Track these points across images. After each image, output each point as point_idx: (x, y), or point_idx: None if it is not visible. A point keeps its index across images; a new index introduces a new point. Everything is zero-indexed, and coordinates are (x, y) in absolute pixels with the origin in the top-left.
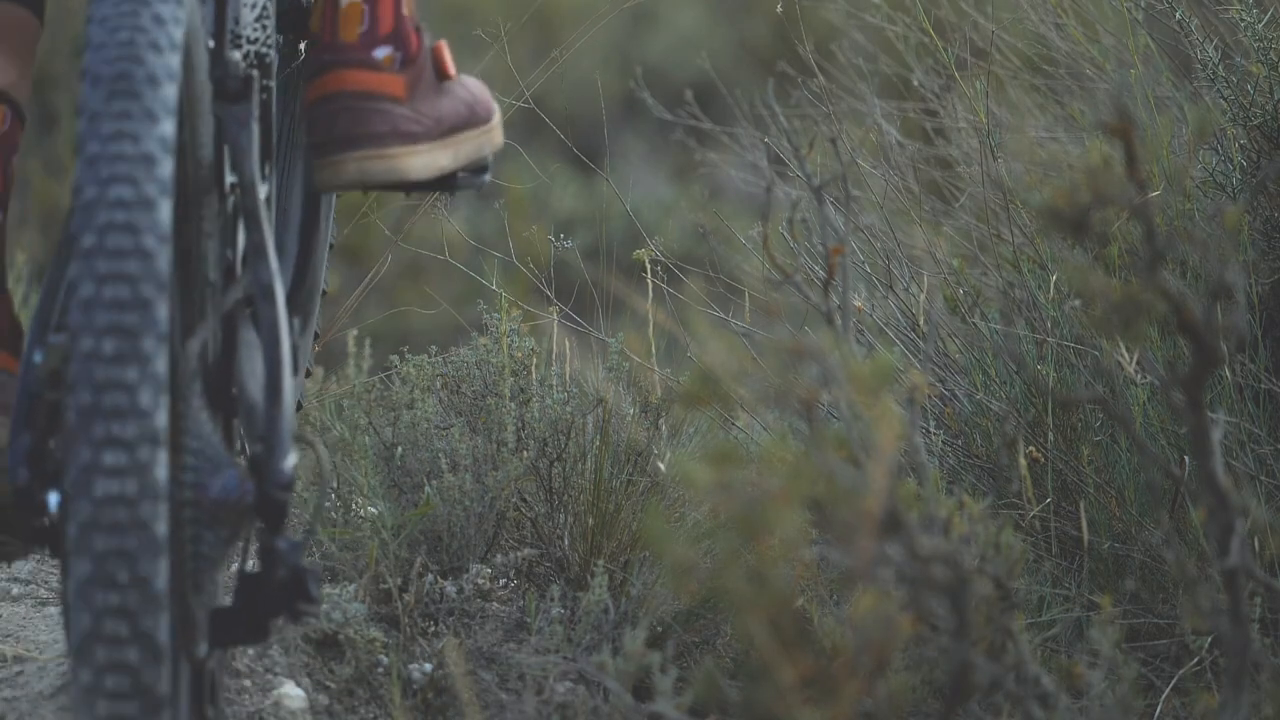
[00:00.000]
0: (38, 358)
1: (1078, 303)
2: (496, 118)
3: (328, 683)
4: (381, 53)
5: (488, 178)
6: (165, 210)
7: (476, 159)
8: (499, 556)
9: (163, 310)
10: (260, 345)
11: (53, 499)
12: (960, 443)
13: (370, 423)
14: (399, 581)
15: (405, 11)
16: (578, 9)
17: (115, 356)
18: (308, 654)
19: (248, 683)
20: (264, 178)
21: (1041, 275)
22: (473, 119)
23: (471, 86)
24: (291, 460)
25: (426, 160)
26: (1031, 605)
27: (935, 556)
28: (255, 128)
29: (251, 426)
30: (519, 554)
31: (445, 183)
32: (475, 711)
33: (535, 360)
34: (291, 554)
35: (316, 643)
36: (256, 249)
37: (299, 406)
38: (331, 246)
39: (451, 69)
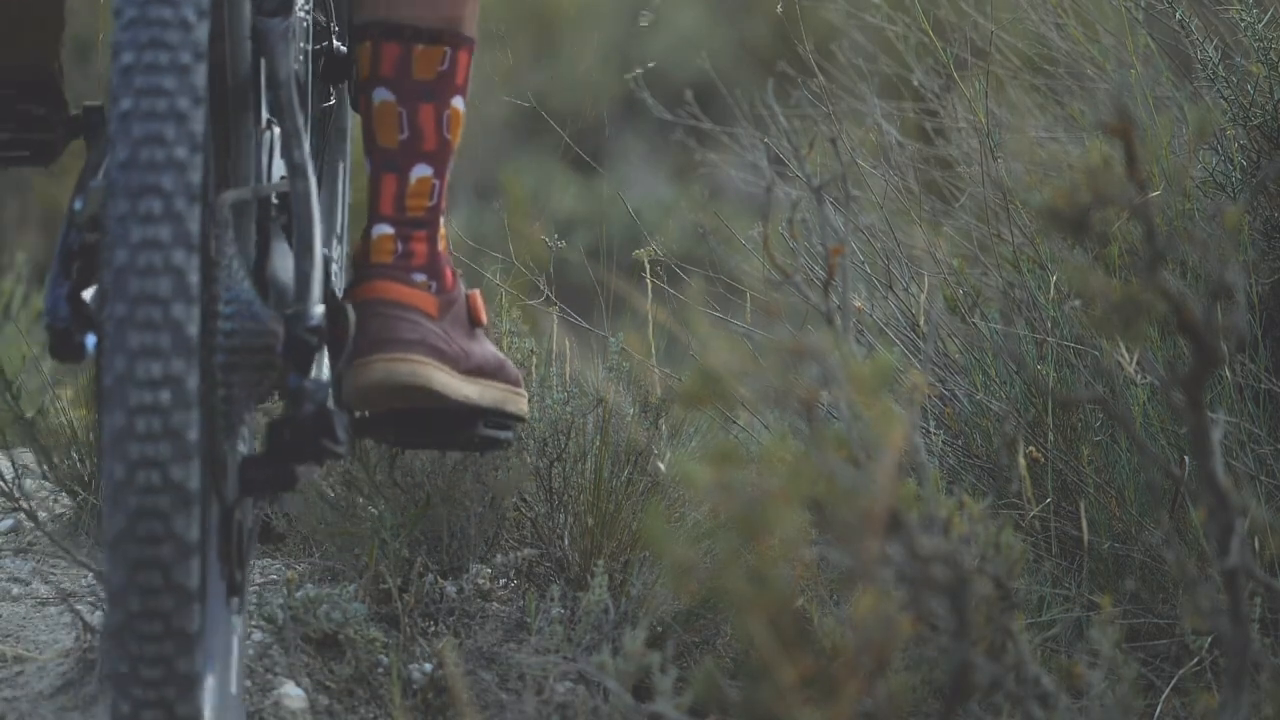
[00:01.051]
0: (78, 205)
1: (1078, 303)
2: (523, 389)
3: (328, 683)
4: (417, 277)
5: (510, 436)
6: (200, 73)
7: (500, 410)
8: (499, 556)
9: (196, 171)
10: (293, 217)
11: (90, 341)
12: (960, 443)
13: None
14: (399, 581)
15: (440, 248)
16: (578, 9)
17: (148, 216)
18: (308, 654)
19: (248, 682)
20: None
21: (1041, 275)
22: (501, 373)
23: (502, 354)
24: (319, 309)
25: (452, 381)
26: (1031, 605)
27: (935, 556)
28: (292, 42)
29: (282, 291)
30: (519, 554)
31: (469, 429)
32: (473, 712)
33: (535, 360)
34: (318, 391)
35: (316, 643)
36: (290, 135)
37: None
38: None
39: (484, 317)
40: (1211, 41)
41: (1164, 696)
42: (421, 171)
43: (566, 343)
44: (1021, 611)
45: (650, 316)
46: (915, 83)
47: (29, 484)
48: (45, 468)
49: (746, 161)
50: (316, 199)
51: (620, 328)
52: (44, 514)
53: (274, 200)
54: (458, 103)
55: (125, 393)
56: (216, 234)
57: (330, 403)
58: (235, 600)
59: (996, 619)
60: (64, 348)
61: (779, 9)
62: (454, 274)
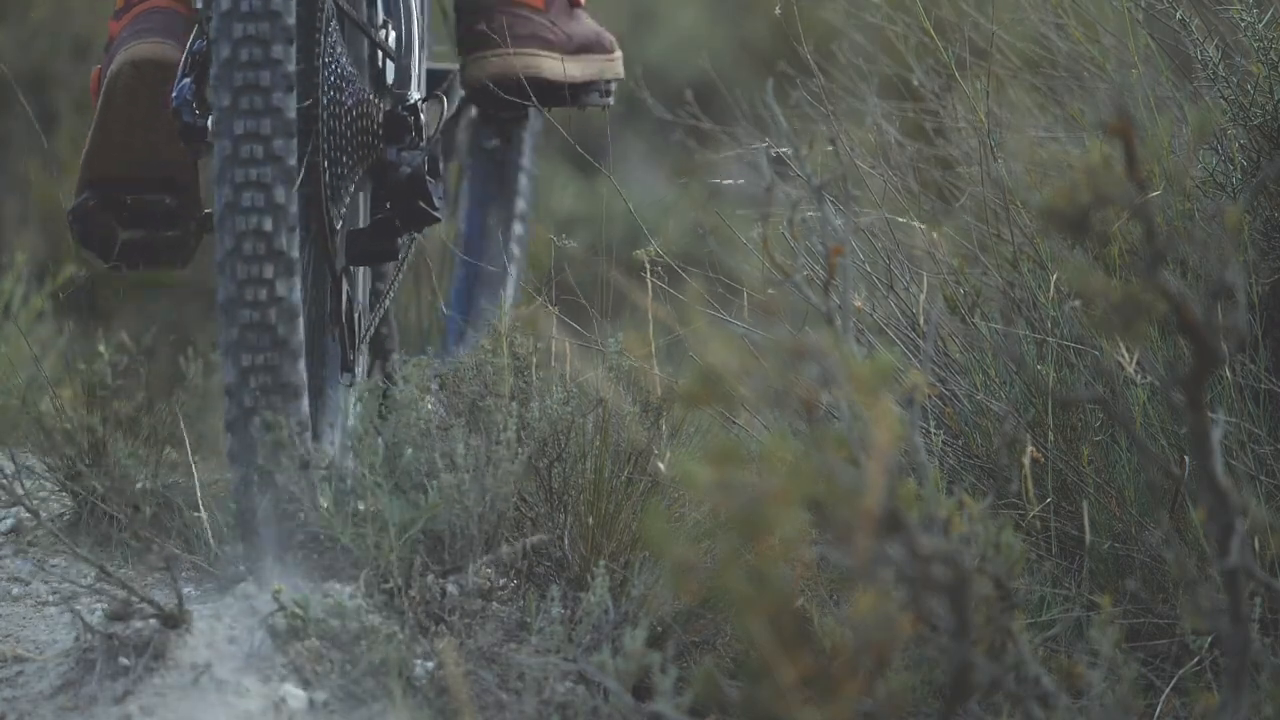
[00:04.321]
0: (199, 2)
1: (1078, 303)
2: (618, 52)
3: (328, 682)
4: None
5: (611, 100)
6: None
7: (599, 79)
8: (504, 546)
9: None
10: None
11: (210, 124)
12: (960, 443)
13: (371, 423)
14: (401, 580)
15: None
16: None
17: (249, 14)
18: (308, 653)
19: (248, 681)
20: None
21: (1041, 275)
22: (599, 44)
23: (597, 25)
24: (417, 92)
25: (559, 66)
26: (1031, 605)
27: (935, 556)
28: None
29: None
30: (528, 541)
31: (575, 96)
32: (473, 712)
33: (535, 360)
34: (414, 157)
35: (317, 642)
36: None
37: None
38: None
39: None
40: (1211, 41)
41: (1164, 696)
42: None
43: (566, 343)
44: (1021, 611)
45: (650, 316)
46: (915, 83)
47: (29, 483)
48: (45, 467)
49: (747, 161)
50: (416, 4)
51: (620, 327)
52: (44, 514)
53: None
54: None
55: (231, 173)
56: (319, 26)
57: (424, 167)
58: (347, 375)
59: (996, 619)
60: (188, 132)
61: (778, 10)
62: None
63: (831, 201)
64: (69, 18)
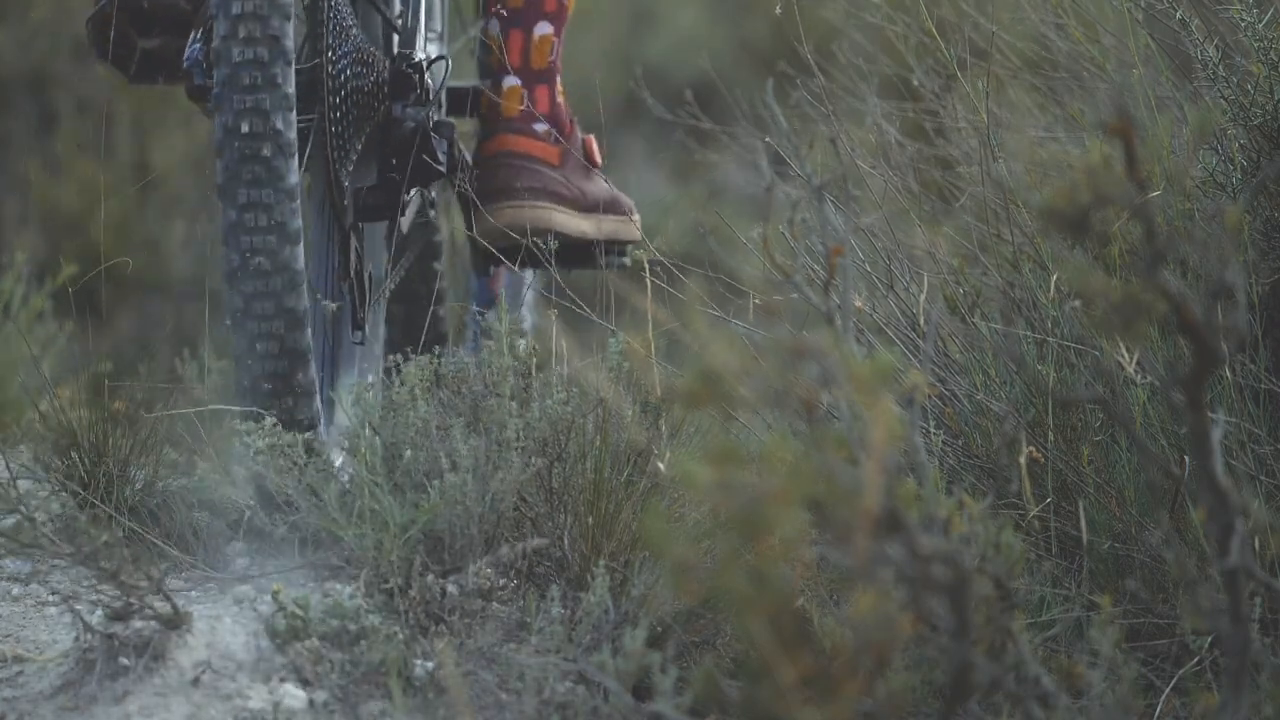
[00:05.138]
0: None
1: (1078, 303)
2: (636, 215)
3: (328, 682)
4: (540, 127)
5: (628, 261)
6: None
7: (615, 239)
8: (504, 547)
9: None
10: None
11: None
12: (960, 443)
13: (371, 423)
14: (401, 580)
15: (559, 100)
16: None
17: None
18: (308, 653)
19: (248, 681)
20: None
21: (1041, 275)
22: (615, 206)
23: (614, 188)
24: (422, 52)
25: (571, 221)
26: (1031, 605)
27: (935, 556)
28: None
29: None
30: (527, 544)
31: (589, 257)
32: (472, 712)
33: (535, 360)
34: (419, 112)
35: (317, 642)
36: None
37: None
38: None
39: (599, 159)
40: (1211, 41)
41: (1164, 696)
42: (543, 29)
43: (564, 343)
44: (1021, 611)
45: (650, 316)
46: (915, 83)
47: (29, 484)
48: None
49: (747, 161)
50: None
51: (620, 328)
52: (43, 515)
53: None
54: None
55: (232, 144)
56: None
57: (429, 126)
58: (358, 333)
59: (996, 619)
60: (196, 89)
61: (778, 10)
62: (572, 122)
63: (831, 201)
64: (69, 18)
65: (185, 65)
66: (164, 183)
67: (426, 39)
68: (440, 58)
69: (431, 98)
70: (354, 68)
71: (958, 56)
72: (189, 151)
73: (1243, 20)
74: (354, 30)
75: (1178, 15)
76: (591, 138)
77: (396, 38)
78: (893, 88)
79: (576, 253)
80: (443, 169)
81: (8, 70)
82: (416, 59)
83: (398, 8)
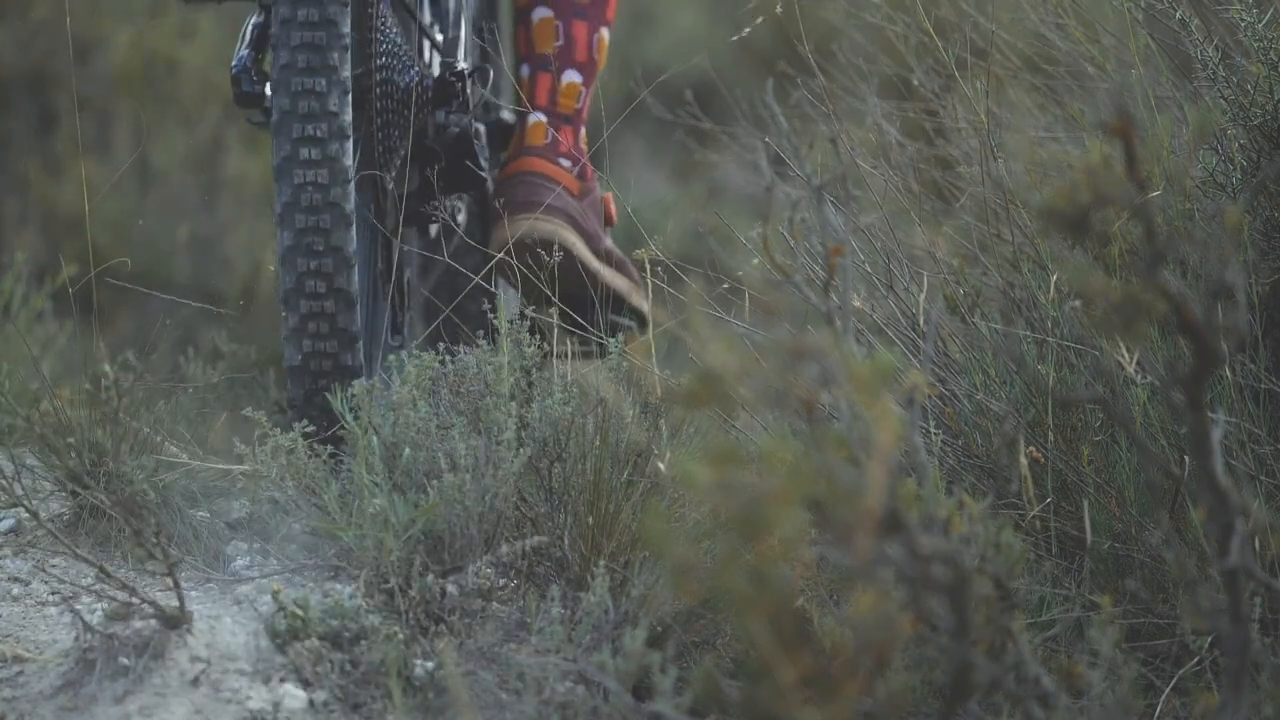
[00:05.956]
0: None
1: (1078, 303)
2: (644, 293)
3: (328, 682)
4: (563, 162)
5: (635, 325)
6: None
7: (627, 298)
8: (504, 546)
9: None
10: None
11: (267, 90)
12: (960, 443)
13: (371, 423)
14: (401, 580)
15: (582, 144)
16: None
17: None
18: (308, 653)
19: (248, 681)
20: None
21: (1041, 275)
22: (626, 269)
23: (625, 257)
24: (464, 62)
25: (586, 252)
26: (1031, 605)
27: (935, 556)
28: None
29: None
30: (527, 543)
31: (587, 306)
32: (472, 712)
33: (535, 360)
34: (461, 118)
35: (317, 642)
36: None
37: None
38: None
39: (614, 219)
40: (1211, 41)
41: (1164, 696)
42: (572, 77)
43: (567, 343)
44: (1021, 611)
45: (650, 316)
46: (915, 83)
47: (29, 483)
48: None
49: (747, 161)
50: None
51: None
52: (43, 514)
53: None
54: (604, 33)
55: (289, 127)
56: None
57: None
58: (398, 337)
59: (996, 619)
60: (245, 96)
61: (778, 9)
62: (592, 173)
63: (831, 201)
64: (69, 18)
65: (233, 72)
66: (164, 183)
67: (466, 50)
68: (482, 67)
69: (473, 106)
70: (399, 75)
71: (957, 56)
72: (189, 151)
73: (1243, 20)
74: (399, 40)
75: (1178, 15)
76: (610, 196)
77: (431, 48)
78: (893, 88)
79: (576, 293)
80: (485, 175)
81: (8, 70)
82: (459, 68)
83: (428, 17)
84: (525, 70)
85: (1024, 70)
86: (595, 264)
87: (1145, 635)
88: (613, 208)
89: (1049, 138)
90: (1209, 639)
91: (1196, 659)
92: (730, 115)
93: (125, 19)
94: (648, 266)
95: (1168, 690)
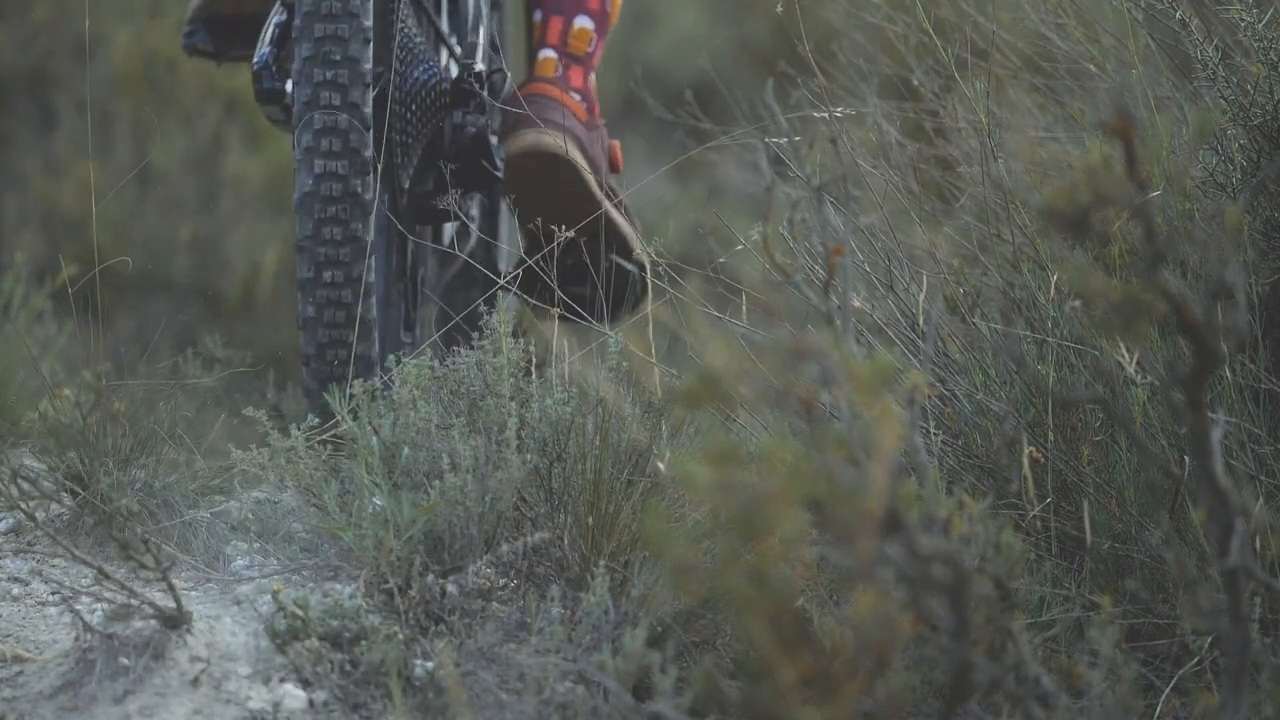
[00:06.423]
0: None
1: (1078, 303)
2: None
3: (328, 682)
4: (574, 94)
5: (646, 277)
6: None
7: (628, 241)
8: (504, 546)
9: None
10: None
11: (289, 86)
12: (960, 443)
13: (371, 423)
14: (401, 580)
15: (590, 84)
16: None
17: None
18: (308, 653)
19: (248, 681)
20: None
21: (1041, 275)
22: (629, 216)
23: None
24: (482, 64)
25: (590, 178)
26: (1031, 605)
27: (935, 556)
28: None
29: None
30: (528, 540)
31: (607, 242)
32: (471, 712)
33: (535, 360)
34: (477, 119)
35: (317, 642)
36: None
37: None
38: None
39: (620, 165)
40: (1211, 41)
41: (1164, 696)
42: (583, 22)
43: (566, 343)
44: (1021, 611)
45: (650, 316)
46: (915, 83)
47: (28, 484)
48: (45, 467)
49: (746, 161)
50: None
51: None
52: (42, 514)
53: None
54: None
55: (311, 117)
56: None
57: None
58: (409, 334)
59: (996, 619)
60: (266, 93)
61: (779, 9)
62: (601, 118)
63: (831, 202)
64: (69, 18)
65: (255, 68)
66: (164, 183)
67: (486, 52)
68: (499, 70)
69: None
70: (418, 76)
71: (957, 56)
72: (189, 151)
73: (1243, 20)
74: (419, 40)
75: (1178, 15)
76: (617, 144)
77: (447, 50)
78: (893, 88)
79: (580, 228)
80: (499, 175)
81: (8, 70)
82: (477, 69)
83: (446, 21)
84: (538, 15)
85: (1024, 70)
86: (599, 193)
87: (1145, 635)
88: (619, 155)
89: (1049, 138)
90: (1209, 639)
91: (1196, 659)
92: (730, 115)
93: (125, 19)
94: (647, 267)
95: (1168, 690)
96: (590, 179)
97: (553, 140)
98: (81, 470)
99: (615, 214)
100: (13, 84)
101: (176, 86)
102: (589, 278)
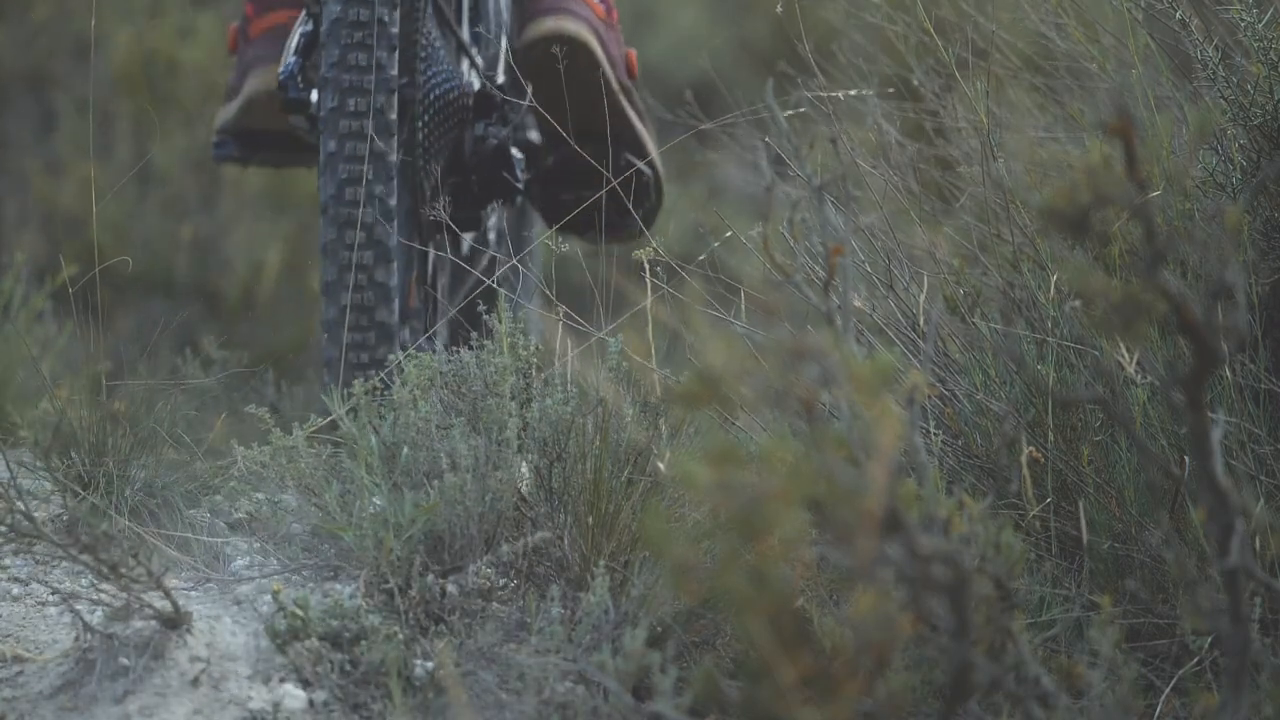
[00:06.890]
0: None
1: (1078, 303)
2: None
3: (328, 682)
4: None
5: (650, 180)
6: None
7: (642, 142)
8: (504, 545)
9: None
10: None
11: (314, 95)
12: (960, 443)
13: (370, 422)
14: (401, 580)
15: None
16: None
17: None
18: (308, 653)
19: (248, 681)
20: None
21: (1041, 275)
22: (643, 118)
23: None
24: (503, 76)
25: (609, 70)
26: (1031, 605)
27: (935, 556)
28: None
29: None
30: (528, 540)
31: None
32: (471, 712)
33: (535, 360)
34: (499, 130)
35: (317, 642)
36: None
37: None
38: None
39: (636, 73)
40: (1211, 41)
41: (1164, 696)
42: None
43: (568, 342)
44: (1021, 611)
45: (650, 316)
46: (915, 83)
47: (28, 484)
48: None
49: (746, 161)
50: None
51: (621, 328)
52: (42, 515)
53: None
54: None
55: (335, 123)
56: (419, 8)
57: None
58: (428, 341)
59: (996, 619)
60: (291, 102)
61: (779, 9)
62: (619, 27)
63: (831, 201)
64: (69, 18)
65: (281, 78)
66: (164, 183)
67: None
68: (520, 82)
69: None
70: (441, 87)
71: (957, 56)
72: (189, 151)
73: (1243, 20)
74: (442, 52)
75: (1178, 15)
76: (634, 51)
77: (468, 62)
78: (893, 87)
79: (594, 126)
80: (520, 186)
81: (8, 70)
82: (496, 81)
83: (467, 33)
84: None
85: (1024, 70)
86: (616, 85)
87: (1145, 635)
88: (635, 62)
89: (1049, 138)
90: (1209, 639)
91: (1196, 659)
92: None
93: (125, 19)
94: (648, 266)
95: (1168, 690)
96: (609, 70)
97: (575, 26)
98: (81, 470)
99: (630, 111)
100: (13, 84)
101: (176, 86)
102: (600, 180)
